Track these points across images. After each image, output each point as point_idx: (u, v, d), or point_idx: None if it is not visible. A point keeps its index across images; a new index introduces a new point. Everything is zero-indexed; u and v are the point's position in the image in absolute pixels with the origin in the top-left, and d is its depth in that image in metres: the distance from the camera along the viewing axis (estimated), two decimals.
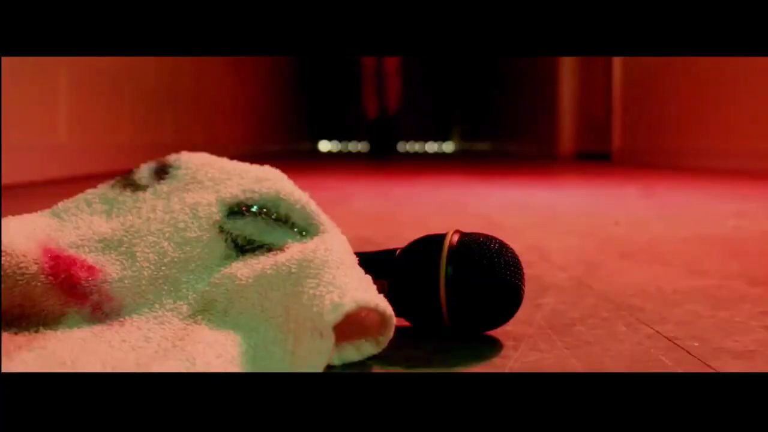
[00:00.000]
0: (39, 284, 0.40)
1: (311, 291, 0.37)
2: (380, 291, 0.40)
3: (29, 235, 0.43)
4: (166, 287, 0.43)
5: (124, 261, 0.44)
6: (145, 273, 0.43)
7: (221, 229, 0.45)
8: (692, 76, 2.96)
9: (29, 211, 0.46)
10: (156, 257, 0.44)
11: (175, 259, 0.44)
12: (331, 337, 0.34)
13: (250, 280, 0.41)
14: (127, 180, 0.48)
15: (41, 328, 0.40)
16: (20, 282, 0.40)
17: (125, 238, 0.44)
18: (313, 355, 0.34)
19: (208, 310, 0.42)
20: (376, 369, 0.39)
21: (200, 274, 0.44)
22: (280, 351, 0.37)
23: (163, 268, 0.44)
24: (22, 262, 0.40)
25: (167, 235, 0.45)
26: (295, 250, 0.42)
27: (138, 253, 0.44)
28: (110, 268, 0.43)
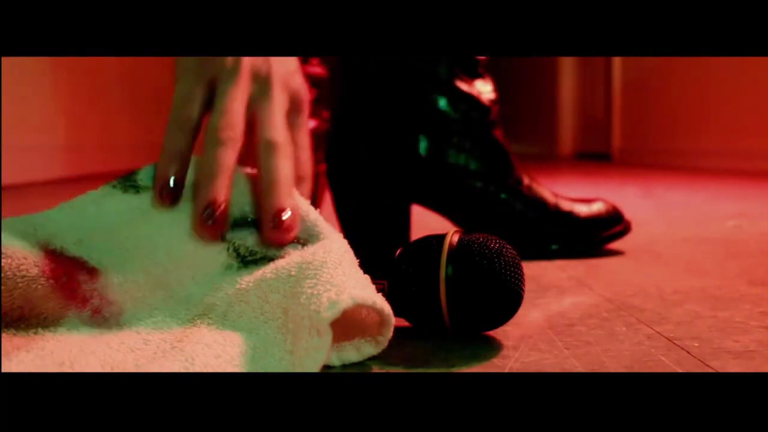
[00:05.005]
0: (39, 287, 0.40)
1: (309, 290, 0.37)
2: (380, 291, 0.40)
3: (30, 236, 0.43)
4: (166, 293, 0.43)
5: (126, 265, 0.43)
6: (147, 278, 0.43)
7: (224, 238, 0.45)
8: (692, 76, 2.96)
9: (29, 211, 0.46)
10: (158, 263, 0.44)
11: (177, 266, 0.44)
12: (328, 334, 0.34)
13: (251, 285, 0.41)
14: (128, 181, 0.48)
15: (40, 329, 0.40)
16: (20, 284, 0.39)
17: (127, 242, 0.44)
18: (310, 352, 0.34)
19: (207, 314, 0.41)
20: (376, 369, 0.39)
21: (201, 282, 0.44)
22: (278, 351, 0.37)
23: (164, 274, 0.43)
24: (22, 265, 0.40)
25: (169, 241, 0.44)
26: (295, 255, 0.42)
27: (139, 258, 0.44)
28: (111, 271, 0.43)
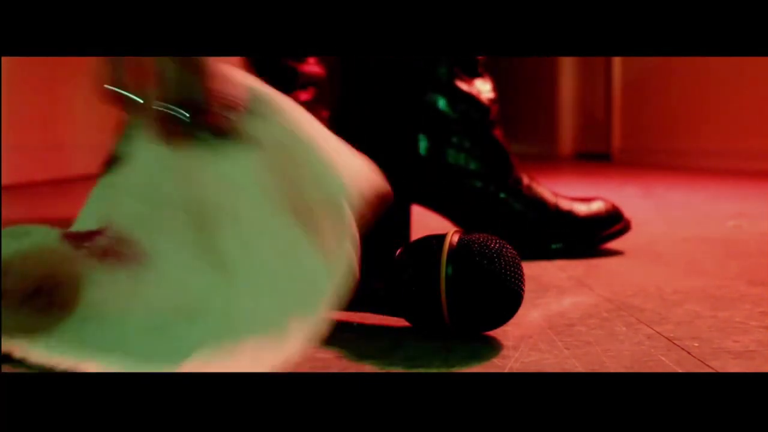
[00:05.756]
0: (61, 251, 0.42)
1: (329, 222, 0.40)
2: (380, 292, 0.40)
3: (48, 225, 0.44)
4: (178, 225, 0.44)
5: (142, 213, 0.44)
6: (160, 217, 0.44)
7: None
8: (692, 76, 2.96)
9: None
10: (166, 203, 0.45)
11: (179, 196, 0.44)
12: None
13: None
14: (113, 163, 0.49)
15: (76, 300, 0.41)
16: (46, 258, 0.41)
17: (139, 202, 0.45)
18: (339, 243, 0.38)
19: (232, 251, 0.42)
20: (376, 369, 0.39)
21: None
22: (313, 253, 0.40)
23: (170, 208, 0.44)
24: (45, 240, 0.42)
25: (166, 179, 0.45)
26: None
27: (149, 206, 0.45)
28: (127, 221, 0.44)
